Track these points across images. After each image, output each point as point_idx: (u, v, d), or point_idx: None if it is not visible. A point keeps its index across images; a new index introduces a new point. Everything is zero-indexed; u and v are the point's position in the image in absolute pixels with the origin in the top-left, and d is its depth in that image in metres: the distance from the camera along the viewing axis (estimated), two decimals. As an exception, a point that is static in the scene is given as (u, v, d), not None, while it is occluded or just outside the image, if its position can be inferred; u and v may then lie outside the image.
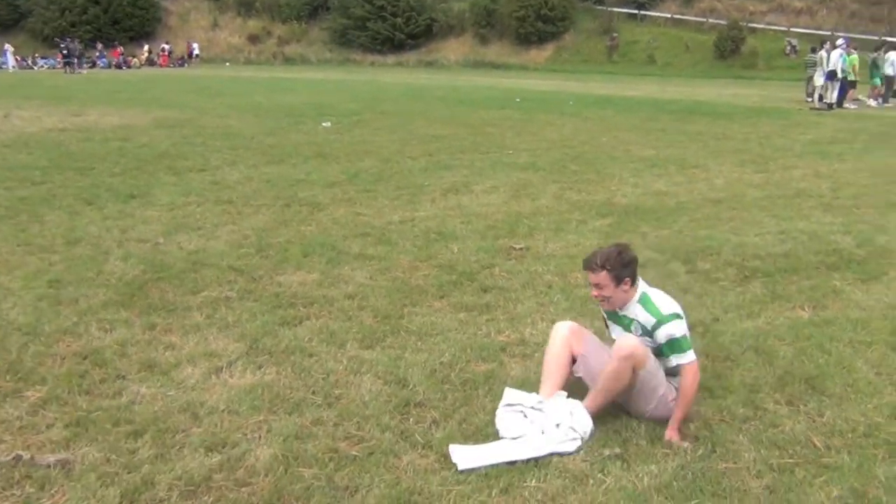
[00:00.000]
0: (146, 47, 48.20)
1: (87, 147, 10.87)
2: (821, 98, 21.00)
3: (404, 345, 4.08)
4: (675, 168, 9.79)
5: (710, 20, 44.85)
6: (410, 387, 3.56)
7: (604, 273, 3.19)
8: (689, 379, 3.19)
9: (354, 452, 3.00)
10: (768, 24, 43.45)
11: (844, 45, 19.96)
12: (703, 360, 3.89)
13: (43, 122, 14.02)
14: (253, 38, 53.70)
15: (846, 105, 19.81)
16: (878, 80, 21.92)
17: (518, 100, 21.01)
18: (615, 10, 47.24)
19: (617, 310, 3.35)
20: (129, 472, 2.84)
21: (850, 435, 3.20)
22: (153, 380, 3.61)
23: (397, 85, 28.05)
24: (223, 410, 3.32)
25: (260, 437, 3.12)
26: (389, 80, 31.61)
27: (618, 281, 3.21)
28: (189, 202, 7.50)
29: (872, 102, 21.17)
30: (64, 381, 3.55)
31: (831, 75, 19.26)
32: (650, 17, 47.68)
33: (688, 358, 3.22)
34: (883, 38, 34.52)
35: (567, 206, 7.55)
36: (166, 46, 47.96)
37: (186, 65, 46.39)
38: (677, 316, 3.26)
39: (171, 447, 3.03)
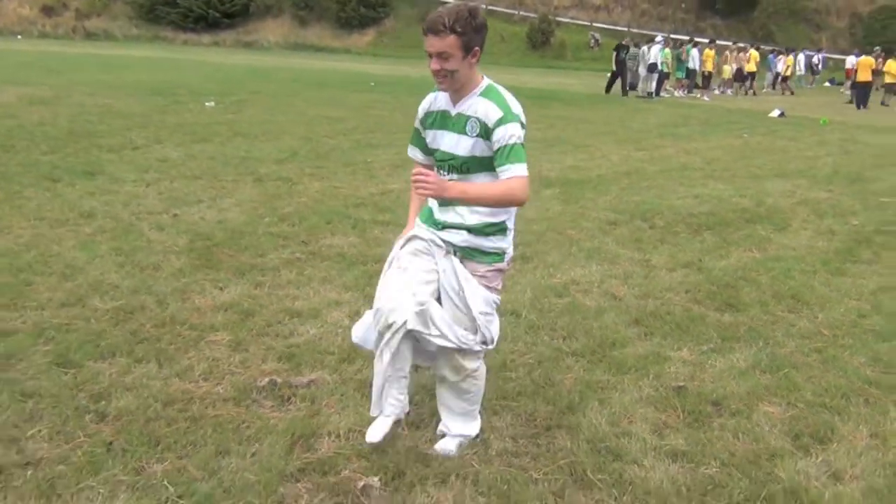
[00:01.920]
0: (-83, 15, 42.60)
1: (-17, 125, 10.21)
2: (632, 87, 23.91)
3: (488, 287, 4.88)
4: (571, 147, 11.17)
5: (520, 13, 47.93)
6: (523, 316, 4.40)
7: (452, 37, 2.53)
8: (517, 187, 2.60)
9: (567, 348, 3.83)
10: (572, 18, 47.26)
11: (662, 42, 22.79)
12: (712, 287, 5.11)
13: None
14: (47, 10, 49.15)
15: (661, 94, 22.66)
16: (681, 73, 25.11)
17: (373, 84, 21.70)
18: (433, -2, 49.04)
19: (451, 108, 2.76)
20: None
21: (843, 327, 4.51)
22: (311, 322, 4.15)
23: (235, 66, 27.52)
24: (396, 340, 3.97)
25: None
26: (221, 61, 30.78)
27: (467, 50, 2.57)
28: (159, 178, 7.60)
29: (678, 93, 24.28)
30: (236, 328, 4.00)
31: (652, 67, 21.94)
32: (465, 6, 49.89)
33: (523, 171, 2.61)
34: (669, 35, 39.06)
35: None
36: (-56, 15, 42.65)
37: (-29, 36, 41.59)
38: (522, 123, 2.68)
39: (385, 367, 3.66)
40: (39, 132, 9.91)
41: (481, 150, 2.67)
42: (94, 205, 6.38)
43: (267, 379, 3.43)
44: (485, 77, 2.73)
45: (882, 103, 22.56)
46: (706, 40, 27.36)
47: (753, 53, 27.29)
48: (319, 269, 5.04)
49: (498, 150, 2.61)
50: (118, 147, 9.19)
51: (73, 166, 7.90)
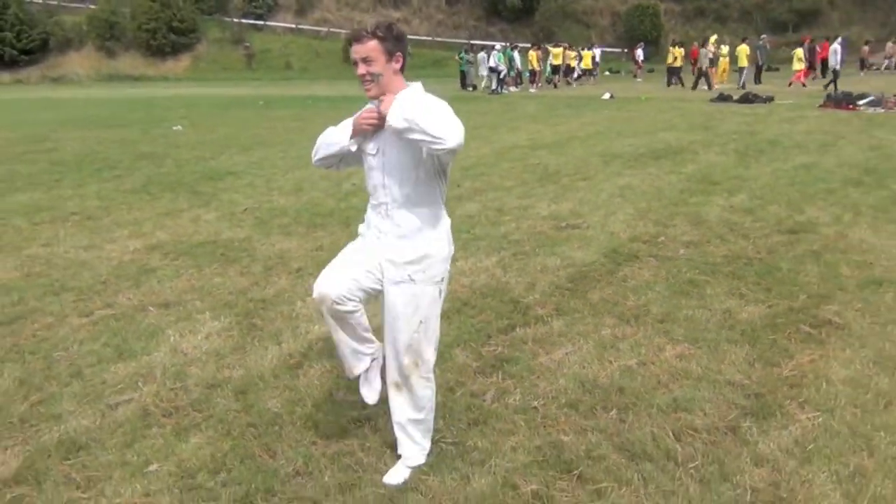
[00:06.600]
0: None
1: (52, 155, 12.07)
2: (474, 87, 28.55)
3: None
4: (507, 129, 15.08)
5: (329, 29, 51.29)
6: (639, 191, 8.20)
7: (374, 42, 2.76)
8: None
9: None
10: (377, 31, 51.26)
11: (500, 47, 27.54)
12: (702, 177, 9.23)
13: None
14: None
15: (504, 90, 27.46)
16: (511, 73, 30.13)
17: (261, 103, 24.26)
18: (241, 21, 50.87)
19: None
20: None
21: (763, 179, 8.79)
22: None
23: (96, 100, 28.38)
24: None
25: (621, 211, 7.55)
26: (68, 96, 31.17)
27: (389, 55, 2.80)
28: (291, 174, 10.41)
29: (512, 88, 29.20)
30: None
31: (492, 69, 26.61)
32: (271, 27, 52.33)
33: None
34: (470, 41, 44.45)
35: (494, 150, 12.28)
36: None
37: None
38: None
39: (602, 217, 7.32)
40: (122, 155, 12.02)
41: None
42: (300, 186, 9.23)
43: (565, 223, 6.96)
44: (412, 85, 2.90)
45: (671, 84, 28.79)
46: (529, 44, 32.61)
47: (555, 51, 33.16)
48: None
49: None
50: (196, 160, 11.68)
51: (210, 172, 10.45)
